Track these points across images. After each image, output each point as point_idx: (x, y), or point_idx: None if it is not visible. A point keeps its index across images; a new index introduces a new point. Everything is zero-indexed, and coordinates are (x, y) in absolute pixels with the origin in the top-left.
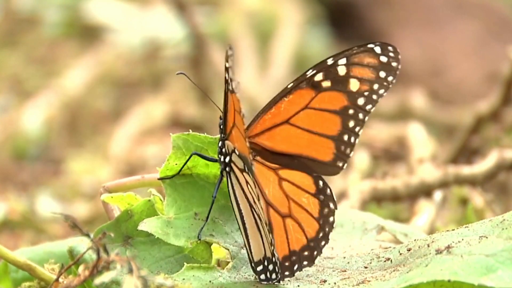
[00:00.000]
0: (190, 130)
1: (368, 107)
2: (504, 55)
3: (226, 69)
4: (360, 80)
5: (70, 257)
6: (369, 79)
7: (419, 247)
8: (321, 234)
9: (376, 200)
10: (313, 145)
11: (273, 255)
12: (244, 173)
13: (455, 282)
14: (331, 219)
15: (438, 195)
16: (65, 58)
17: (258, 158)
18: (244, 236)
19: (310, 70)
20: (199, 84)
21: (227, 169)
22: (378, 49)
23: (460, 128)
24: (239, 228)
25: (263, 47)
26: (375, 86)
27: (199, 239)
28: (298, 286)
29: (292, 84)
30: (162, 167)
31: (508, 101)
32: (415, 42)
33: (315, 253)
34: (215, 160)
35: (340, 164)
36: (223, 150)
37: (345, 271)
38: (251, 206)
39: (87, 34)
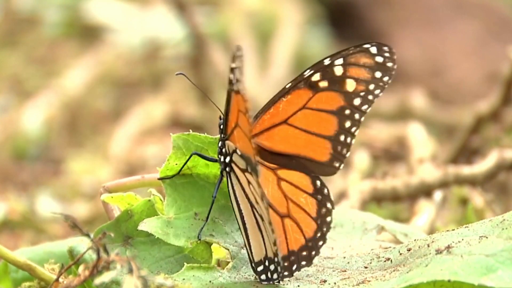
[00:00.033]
0: (191, 130)
1: (364, 107)
2: (504, 55)
3: (232, 70)
4: (357, 80)
5: (70, 257)
6: (365, 79)
7: (419, 247)
8: (319, 234)
9: (376, 200)
10: (311, 145)
11: (276, 255)
12: (246, 173)
13: (455, 282)
14: (328, 219)
15: (438, 195)
16: (65, 58)
17: (257, 158)
18: (244, 236)
19: (308, 70)
20: (199, 84)
21: (227, 169)
22: (374, 50)
23: (460, 128)
24: (239, 228)
25: (263, 47)
26: (371, 87)
27: (199, 239)
28: (298, 286)
29: (290, 84)
30: (162, 167)
31: (508, 101)
32: (415, 42)
33: (313, 253)
34: (215, 160)
35: (337, 165)
36: (223, 150)
37: (345, 271)
38: (252, 206)
39: (87, 34)
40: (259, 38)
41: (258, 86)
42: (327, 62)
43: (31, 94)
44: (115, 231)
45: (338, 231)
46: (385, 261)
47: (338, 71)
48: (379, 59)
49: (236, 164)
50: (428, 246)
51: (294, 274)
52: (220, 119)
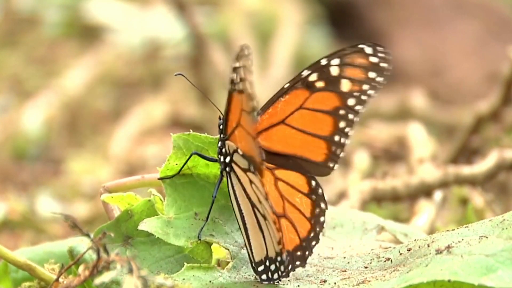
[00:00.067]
0: (191, 130)
1: (358, 107)
2: (504, 55)
3: (234, 69)
4: (352, 80)
5: (70, 257)
6: (360, 79)
7: (419, 247)
8: (312, 234)
9: (376, 200)
10: (307, 145)
11: (279, 254)
12: (248, 173)
13: (455, 282)
14: (322, 219)
15: (438, 195)
16: (65, 58)
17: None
18: (244, 236)
19: (306, 71)
20: (199, 84)
21: (227, 169)
22: (369, 50)
23: (460, 128)
24: (240, 228)
25: (263, 47)
26: (365, 87)
27: (199, 239)
28: (298, 286)
29: (288, 84)
30: (162, 167)
31: (508, 101)
32: (415, 42)
33: (307, 253)
34: (215, 160)
35: (331, 165)
36: (223, 150)
37: (345, 271)
38: (253, 205)
39: (87, 34)
40: (259, 38)
41: (258, 86)
42: (324, 62)
43: (31, 94)
44: (115, 231)
45: (338, 231)
46: (385, 261)
47: (334, 71)
48: (374, 59)
49: (237, 164)
50: (428, 246)
51: (290, 274)
52: (220, 119)
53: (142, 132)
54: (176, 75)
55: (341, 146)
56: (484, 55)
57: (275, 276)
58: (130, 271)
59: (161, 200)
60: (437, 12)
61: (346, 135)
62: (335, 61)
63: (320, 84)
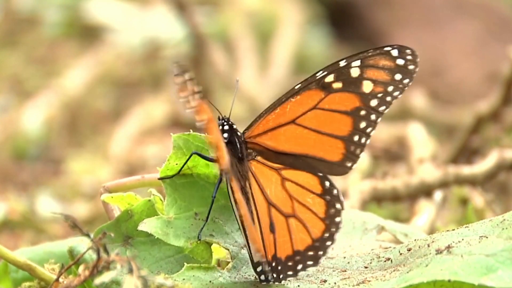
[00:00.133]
0: (191, 130)
1: (381, 108)
2: (504, 55)
3: (180, 90)
4: (374, 82)
5: (70, 257)
6: (384, 81)
7: (419, 247)
8: (326, 235)
9: (376, 200)
10: (321, 145)
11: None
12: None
13: (455, 282)
14: (337, 219)
15: (438, 195)
16: (65, 58)
17: (259, 158)
18: (244, 236)
19: (321, 72)
20: (199, 84)
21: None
22: (395, 52)
23: (460, 128)
24: (239, 228)
25: (263, 47)
26: (390, 88)
27: (199, 239)
28: (298, 286)
29: (300, 85)
30: (162, 167)
31: (508, 101)
32: (415, 42)
33: (320, 253)
34: (215, 160)
35: (349, 164)
36: None
37: (345, 271)
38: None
39: (87, 34)
40: (259, 38)
41: (258, 86)
42: (342, 63)
43: (31, 94)
44: (115, 231)
45: None
46: (385, 261)
47: (355, 72)
48: (401, 61)
49: None
50: (428, 246)
51: (299, 274)
52: (219, 119)
53: (142, 132)
54: (175, 75)
55: (361, 146)
56: (484, 55)
57: (270, 277)
58: (130, 271)
59: (161, 200)
60: (437, 12)
61: (367, 135)
62: (356, 62)
63: (337, 85)
